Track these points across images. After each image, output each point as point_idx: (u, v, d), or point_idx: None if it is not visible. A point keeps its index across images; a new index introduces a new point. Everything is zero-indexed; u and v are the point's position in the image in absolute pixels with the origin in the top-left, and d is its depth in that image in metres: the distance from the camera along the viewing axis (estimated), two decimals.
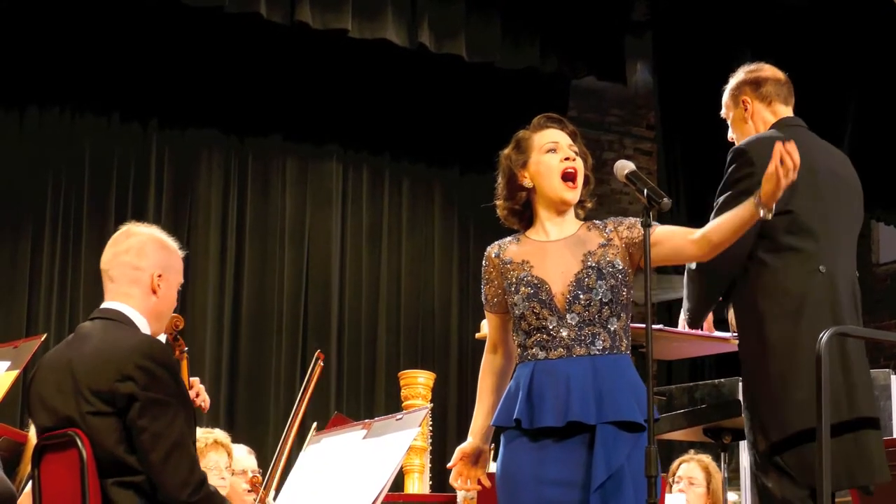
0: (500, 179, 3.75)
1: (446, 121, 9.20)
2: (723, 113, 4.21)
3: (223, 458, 5.17)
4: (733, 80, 4.17)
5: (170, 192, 8.51)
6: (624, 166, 3.61)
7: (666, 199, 3.44)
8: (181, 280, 3.68)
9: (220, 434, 5.26)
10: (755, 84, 4.10)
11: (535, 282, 3.57)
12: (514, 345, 3.67)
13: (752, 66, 4.17)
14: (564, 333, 3.52)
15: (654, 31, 9.47)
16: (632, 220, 3.66)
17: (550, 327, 3.53)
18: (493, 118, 8.92)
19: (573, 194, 3.66)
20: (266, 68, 8.62)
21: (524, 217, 3.73)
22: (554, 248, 3.63)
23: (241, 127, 8.73)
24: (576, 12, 8.91)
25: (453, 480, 3.75)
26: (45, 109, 8.15)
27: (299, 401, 5.10)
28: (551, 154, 3.66)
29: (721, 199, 3.88)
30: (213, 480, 4.80)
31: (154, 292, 3.56)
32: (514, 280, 3.60)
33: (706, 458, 6.00)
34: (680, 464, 6.11)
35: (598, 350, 3.52)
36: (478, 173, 9.19)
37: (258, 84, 8.64)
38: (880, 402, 5.77)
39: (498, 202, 3.76)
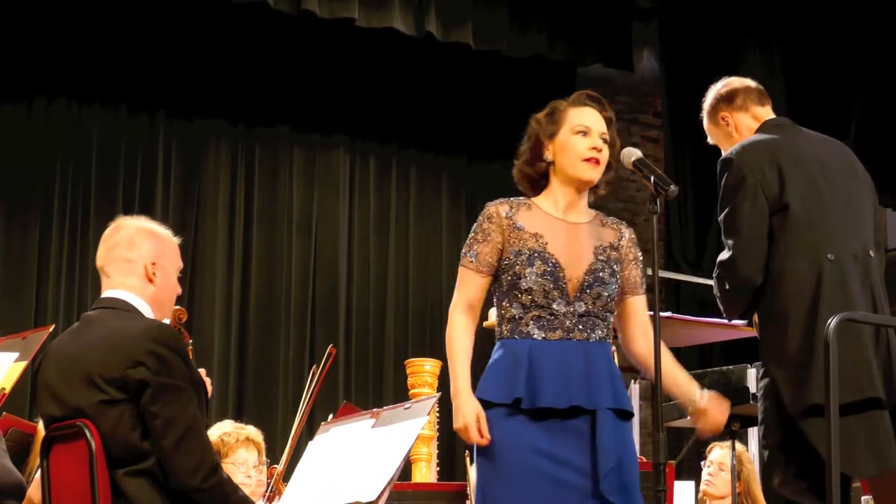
0: (525, 142, 3.69)
1: (453, 109, 9.18)
2: (709, 140, 4.25)
3: (252, 456, 5.10)
4: (707, 103, 4.23)
5: (177, 183, 8.50)
6: (631, 153, 3.62)
7: (672, 187, 3.46)
8: (179, 265, 3.68)
9: (253, 431, 5.19)
10: (728, 98, 4.17)
11: (552, 260, 3.53)
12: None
13: (719, 84, 4.23)
14: (568, 318, 3.51)
15: (661, 19, 9.44)
16: (640, 255, 3.67)
17: (555, 308, 3.52)
18: (500, 106, 8.90)
19: (595, 172, 3.61)
20: (273, 58, 8.60)
21: (538, 186, 3.68)
22: (569, 230, 3.60)
23: (249, 117, 8.72)
24: None
25: (476, 437, 3.53)
26: (53, 100, 8.14)
27: (309, 394, 5.06)
28: (580, 137, 3.62)
29: (725, 212, 3.89)
30: (239, 478, 4.81)
31: (150, 280, 3.57)
32: (526, 250, 3.55)
33: (740, 447, 5.98)
34: (713, 448, 6.09)
35: (597, 338, 3.54)
36: (485, 162, 9.18)
37: (265, 74, 8.62)
38: None
39: (517, 162, 3.70)
